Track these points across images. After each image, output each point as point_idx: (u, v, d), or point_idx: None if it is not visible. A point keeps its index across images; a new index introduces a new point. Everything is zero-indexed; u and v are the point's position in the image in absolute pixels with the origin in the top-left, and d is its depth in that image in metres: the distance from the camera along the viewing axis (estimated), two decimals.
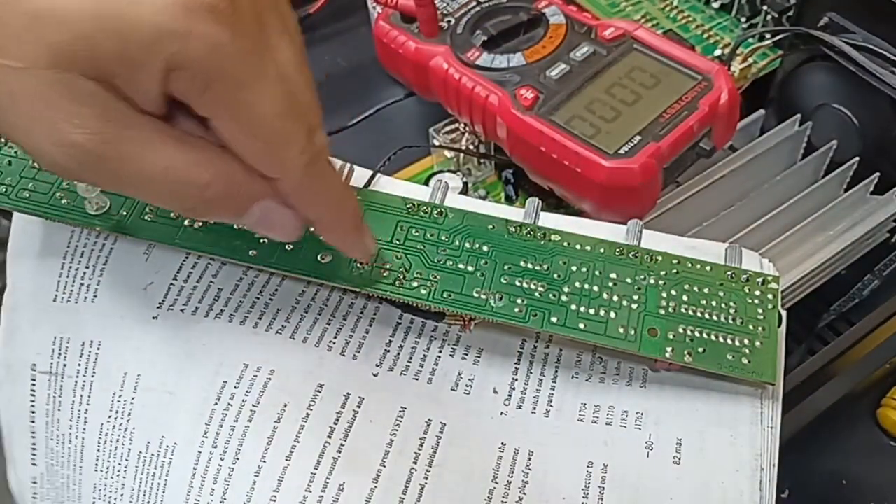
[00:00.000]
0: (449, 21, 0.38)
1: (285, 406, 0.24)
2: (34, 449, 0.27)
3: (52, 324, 0.27)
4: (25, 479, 0.28)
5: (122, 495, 0.24)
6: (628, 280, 0.25)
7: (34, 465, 0.27)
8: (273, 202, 0.21)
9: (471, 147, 0.38)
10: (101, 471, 0.25)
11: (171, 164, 0.19)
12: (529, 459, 0.24)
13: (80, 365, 0.26)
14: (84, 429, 0.26)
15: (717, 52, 0.40)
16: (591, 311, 0.25)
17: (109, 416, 0.25)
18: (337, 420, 0.24)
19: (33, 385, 0.27)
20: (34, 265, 0.28)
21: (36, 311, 0.27)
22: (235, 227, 0.26)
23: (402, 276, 0.25)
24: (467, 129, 0.38)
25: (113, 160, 0.19)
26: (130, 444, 0.24)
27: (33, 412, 0.27)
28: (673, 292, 0.25)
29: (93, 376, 0.26)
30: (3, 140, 0.27)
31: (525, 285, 0.25)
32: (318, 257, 0.25)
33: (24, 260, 0.28)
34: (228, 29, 0.18)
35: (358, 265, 0.25)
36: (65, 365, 0.26)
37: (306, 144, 0.20)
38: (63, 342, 0.27)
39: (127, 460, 0.24)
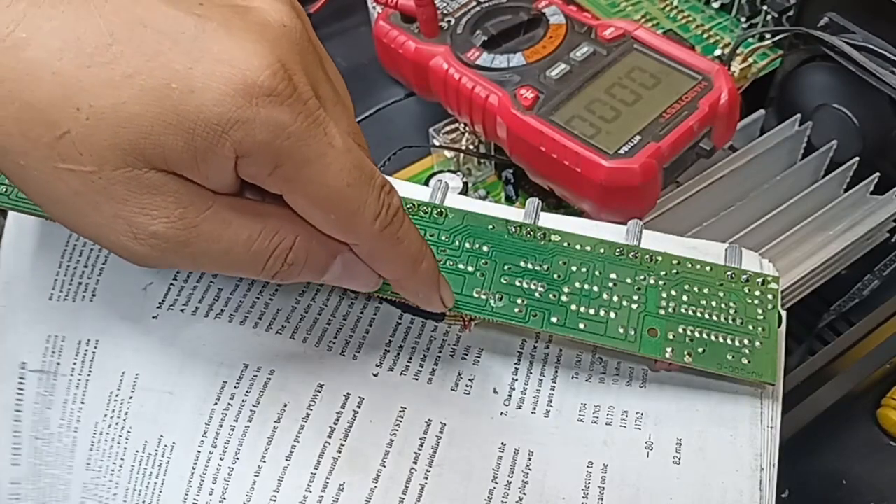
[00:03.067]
0: (449, 21, 0.38)
1: (285, 406, 0.24)
2: (16, 448, 0.27)
3: (47, 322, 0.27)
4: (4, 481, 0.28)
5: (114, 494, 0.24)
6: (628, 280, 0.25)
7: (15, 465, 0.27)
8: (351, 254, 0.21)
9: (471, 147, 0.38)
10: (94, 470, 0.25)
11: (251, 238, 0.19)
12: (529, 459, 0.24)
13: (74, 364, 0.26)
14: (76, 427, 0.26)
15: (717, 52, 0.41)
16: (591, 312, 0.25)
17: (105, 415, 0.25)
18: (337, 420, 0.24)
19: (21, 383, 0.27)
20: (29, 263, 0.28)
21: (30, 309, 0.27)
22: None
23: None
24: (467, 129, 0.38)
25: (195, 243, 0.19)
26: (126, 444, 0.24)
27: (19, 411, 0.27)
28: (673, 292, 0.25)
29: (88, 375, 0.26)
30: None
31: (525, 285, 0.25)
32: None
33: (18, 258, 0.28)
34: (289, 109, 0.18)
35: None
36: (58, 363, 0.26)
37: (378, 210, 0.20)
38: (57, 341, 0.27)
39: (122, 459, 0.24)
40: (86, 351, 0.26)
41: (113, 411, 0.25)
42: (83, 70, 0.17)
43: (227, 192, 0.19)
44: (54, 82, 0.17)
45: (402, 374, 0.25)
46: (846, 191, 0.38)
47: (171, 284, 0.26)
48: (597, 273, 0.25)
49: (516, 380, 0.26)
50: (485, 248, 0.26)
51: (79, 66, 0.17)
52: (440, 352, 0.26)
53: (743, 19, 0.42)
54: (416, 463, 0.23)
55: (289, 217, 0.20)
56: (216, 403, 0.24)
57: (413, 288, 0.23)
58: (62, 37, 0.17)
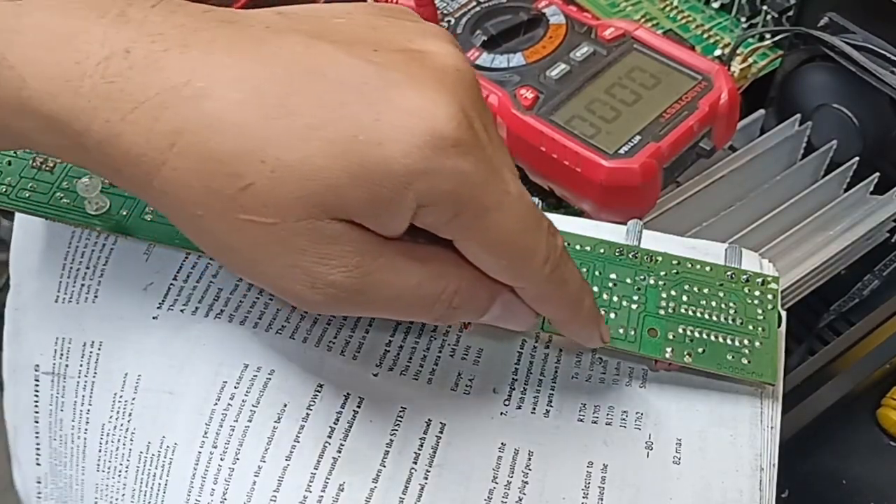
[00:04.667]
0: (449, 21, 0.38)
1: (285, 406, 0.24)
2: (38, 449, 0.27)
3: (55, 324, 0.27)
4: (30, 479, 0.28)
5: (123, 495, 0.24)
6: (628, 280, 0.25)
7: (38, 464, 0.27)
8: (512, 295, 0.21)
9: None
10: (103, 471, 0.25)
11: (420, 283, 0.19)
12: (529, 459, 0.24)
13: (81, 365, 0.26)
14: (86, 429, 0.26)
15: (717, 52, 0.41)
16: None
17: (111, 417, 0.25)
18: (337, 420, 0.24)
19: (37, 385, 0.27)
20: (37, 265, 0.28)
21: (38, 311, 0.27)
22: None
23: None
24: None
25: (369, 291, 0.19)
26: (131, 445, 0.24)
27: (37, 412, 0.27)
28: (673, 293, 0.25)
29: (94, 377, 0.26)
30: None
31: None
32: None
33: (26, 260, 0.28)
34: (472, 158, 0.17)
35: None
36: (67, 365, 0.26)
37: (548, 254, 0.20)
38: (65, 343, 0.27)
39: (128, 460, 0.24)
40: (90, 353, 0.26)
41: (118, 413, 0.25)
42: (267, 122, 0.17)
43: (395, 237, 0.19)
44: (238, 134, 0.17)
45: (402, 374, 0.25)
46: (846, 191, 0.38)
47: (171, 285, 0.26)
48: (597, 273, 0.25)
49: (516, 380, 0.26)
50: None
51: (262, 118, 0.17)
52: (440, 352, 0.26)
53: (743, 19, 0.42)
54: (416, 463, 0.23)
55: (453, 261, 0.20)
56: (216, 404, 0.24)
57: (576, 328, 0.22)
58: (242, 87, 0.17)
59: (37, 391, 0.27)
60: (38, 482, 0.28)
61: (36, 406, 0.27)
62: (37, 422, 0.27)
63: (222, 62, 0.17)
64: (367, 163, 0.17)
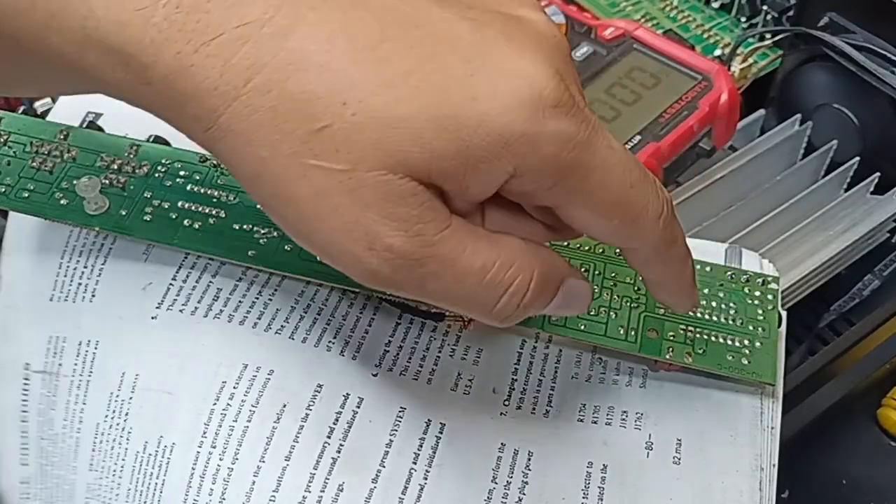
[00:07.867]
0: None
1: (285, 406, 0.24)
2: (25, 449, 0.27)
3: (48, 323, 0.27)
4: (14, 480, 0.27)
5: (117, 495, 0.24)
6: (628, 280, 0.25)
7: (24, 465, 0.27)
8: (573, 279, 0.20)
9: None
10: (96, 471, 0.25)
11: (485, 267, 0.18)
12: (529, 459, 0.24)
13: (76, 364, 0.26)
14: (79, 428, 0.26)
15: (717, 52, 0.41)
16: (591, 312, 0.25)
17: (106, 416, 0.25)
18: (336, 420, 0.24)
19: (26, 384, 0.27)
20: (30, 264, 0.28)
21: (31, 310, 0.27)
22: (235, 227, 0.25)
23: None
24: None
25: (428, 264, 0.17)
26: (128, 444, 0.24)
27: (25, 412, 0.27)
28: None
29: (89, 376, 0.26)
30: (2, 139, 0.27)
31: None
32: (318, 257, 0.25)
33: (19, 258, 0.28)
34: (573, 119, 0.17)
35: None
36: (60, 364, 0.26)
37: (661, 208, 0.18)
38: (59, 341, 0.26)
39: (124, 460, 0.24)
40: (86, 352, 0.26)
41: (114, 412, 0.25)
42: (353, 65, 0.16)
43: (465, 211, 0.18)
44: (321, 75, 0.16)
45: (401, 374, 0.25)
46: (846, 191, 0.38)
47: (171, 284, 0.26)
48: (596, 273, 0.25)
49: (516, 380, 0.26)
50: None
51: (348, 61, 0.16)
52: (440, 352, 0.26)
53: (743, 19, 0.42)
54: (415, 463, 0.23)
55: (520, 248, 0.18)
56: (215, 403, 0.24)
57: (679, 288, 0.21)
58: (329, 28, 0.16)
59: (26, 390, 0.27)
60: (24, 483, 0.27)
61: (24, 405, 0.27)
62: (24, 421, 0.27)
63: (308, 3, 0.16)
64: (459, 117, 0.16)
